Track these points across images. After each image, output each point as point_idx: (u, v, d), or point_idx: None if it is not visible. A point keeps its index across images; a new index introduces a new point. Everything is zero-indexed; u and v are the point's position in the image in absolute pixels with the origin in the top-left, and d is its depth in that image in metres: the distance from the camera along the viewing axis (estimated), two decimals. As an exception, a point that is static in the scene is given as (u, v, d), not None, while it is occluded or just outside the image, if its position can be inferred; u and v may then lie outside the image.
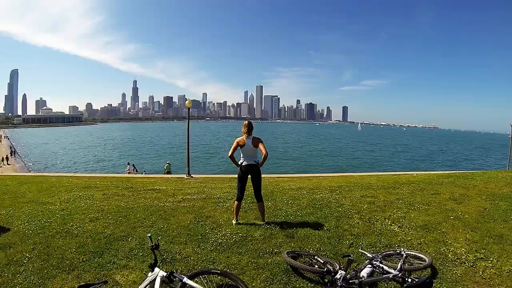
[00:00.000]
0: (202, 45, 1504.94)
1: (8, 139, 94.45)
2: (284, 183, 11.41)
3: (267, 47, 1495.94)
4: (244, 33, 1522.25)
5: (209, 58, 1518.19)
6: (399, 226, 6.10)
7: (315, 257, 4.39)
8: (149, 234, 3.58)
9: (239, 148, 5.87)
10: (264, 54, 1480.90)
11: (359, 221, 6.33)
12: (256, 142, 5.86)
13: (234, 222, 6.01)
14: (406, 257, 4.47)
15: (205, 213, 6.71)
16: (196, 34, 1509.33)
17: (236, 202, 6.01)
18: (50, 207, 7.20)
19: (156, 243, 3.56)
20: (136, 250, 4.84)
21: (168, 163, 26.09)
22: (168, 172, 24.59)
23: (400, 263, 4.09)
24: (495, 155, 74.23)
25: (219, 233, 5.52)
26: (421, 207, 7.53)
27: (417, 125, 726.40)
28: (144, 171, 28.80)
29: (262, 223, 5.99)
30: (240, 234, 5.45)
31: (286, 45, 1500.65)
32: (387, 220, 6.41)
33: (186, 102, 20.23)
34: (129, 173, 26.04)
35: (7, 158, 44.62)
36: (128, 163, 30.14)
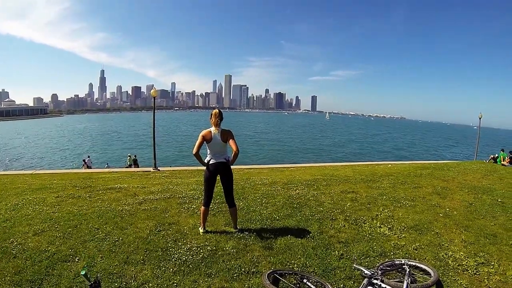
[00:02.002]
0: (173, 35, 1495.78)
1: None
2: (255, 176, 10.64)
3: (238, 36, 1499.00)
4: (215, 22, 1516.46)
5: (179, 48, 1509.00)
6: (389, 228, 5.44)
7: (303, 279, 3.56)
8: (83, 272, 2.60)
9: (205, 143, 4.88)
10: (234, 43, 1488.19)
11: (344, 223, 5.58)
12: (226, 136, 4.90)
13: (201, 230, 5.05)
14: (409, 270, 3.76)
15: (168, 218, 5.75)
16: (167, 23, 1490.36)
17: (203, 207, 5.02)
18: (-8, 217, 6.05)
19: (96, 279, 2.62)
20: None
21: (129, 156, 24.97)
22: (130, 165, 23.57)
23: (406, 281, 3.38)
24: (459, 145, 76.49)
25: (183, 246, 4.56)
26: (407, 203, 7.05)
27: (385, 116, 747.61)
28: (107, 164, 27.19)
29: (234, 230, 5.08)
30: (208, 247, 4.52)
31: (258, 35, 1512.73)
32: (375, 221, 5.73)
33: (152, 91, 19.26)
34: (89, 167, 24.31)
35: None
36: (88, 156, 27.96)
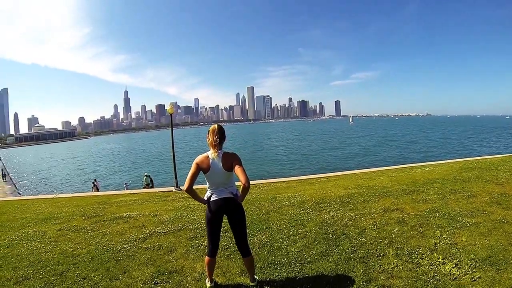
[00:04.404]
0: (190, 51, 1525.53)
1: (1, 160, 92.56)
2: (281, 194, 9.53)
3: (255, 47, 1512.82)
4: (231, 34, 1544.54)
5: (197, 63, 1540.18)
6: (456, 265, 4.05)
7: None
8: None
9: (201, 174, 3.61)
10: (252, 54, 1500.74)
11: (396, 261, 4.21)
12: (229, 161, 3.55)
13: (208, 284, 3.83)
14: None
15: (171, 262, 4.63)
16: (183, 40, 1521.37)
17: (207, 258, 3.76)
18: (-18, 255, 5.48)
19: None
20: None
21: (146, 175, 24.39)
22: (148, 185, 23.19)
23: None
24: (493, 137, 72.36)
25: (182, 310, 3.37)
26: (467, 222, 5.56)
27: (410, 114, 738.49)
28: (126, 184, 26.77)
29: (252, 284, 3.80)
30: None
31: (274, 44, 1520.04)
32: (435, 254, 4.34)
33: (168, 108, 18.26)
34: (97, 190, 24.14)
35: (-5, 180, 44.10)
36: (95, 179, 27.53)
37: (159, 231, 6.29)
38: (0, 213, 10.11)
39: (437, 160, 24.05)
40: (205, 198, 3.70)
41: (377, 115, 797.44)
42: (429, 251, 4.49)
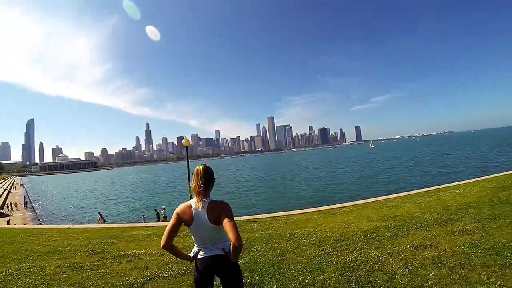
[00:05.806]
0: (210, 83, 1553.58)
1: (24, 187, 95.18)
2: (301, 228, 8.92)
3: (274, 77, 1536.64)
4: (249, 66, 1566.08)
5: (218, 95, 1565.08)
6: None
7: None
8: None
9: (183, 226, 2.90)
10: (271, 85, 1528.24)
11: None
12: (217, 213, 2.76)
13: None
14: None
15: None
16: (203, 72, 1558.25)
17: None
18: (-26, 290, 5.49)
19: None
20: None
21: (163, 208, 24.25)
22: (165, 218, 23.18)
23: None
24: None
25: None
26: (519, 259, 4.61)
27: (431, 133, 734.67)
28: (143, 216, 26.41)
29: None
30: None
31: (293, 73, 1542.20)
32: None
33: (183, 141, 18.25)
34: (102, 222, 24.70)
35: (15, 205, 45.39)
36: (99, 212, 28.60)
37: (161, 274, 5.73)
38: (8, 243, 10.07)
39: (465, 179, 22.58)
40: (191, 254, 2.96)
41: (397, 137, 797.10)
42: (479, 305, 3.61)
